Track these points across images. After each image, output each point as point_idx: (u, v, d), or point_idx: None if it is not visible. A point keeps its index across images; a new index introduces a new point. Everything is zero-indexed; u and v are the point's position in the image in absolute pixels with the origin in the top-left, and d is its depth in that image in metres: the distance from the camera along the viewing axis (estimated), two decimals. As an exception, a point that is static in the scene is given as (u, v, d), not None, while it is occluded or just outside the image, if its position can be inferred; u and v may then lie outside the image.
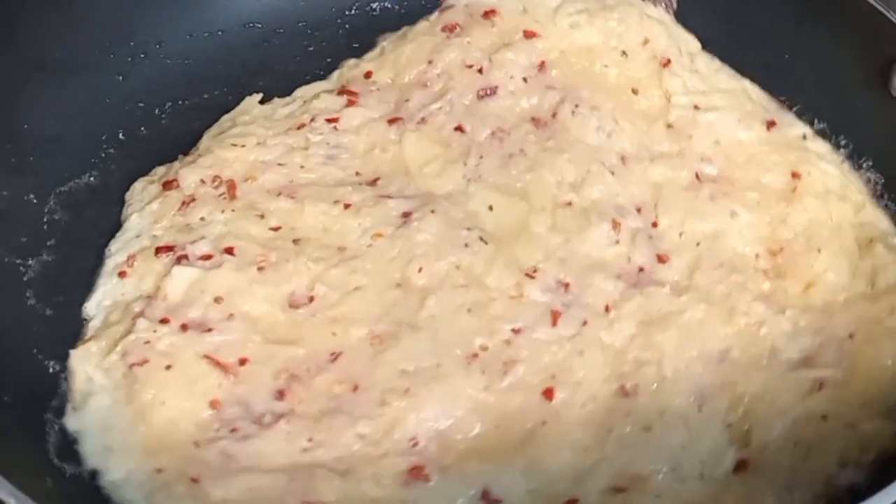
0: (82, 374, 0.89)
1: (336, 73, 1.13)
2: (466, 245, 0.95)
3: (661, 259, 0.97)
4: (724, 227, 0.99)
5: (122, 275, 0.95)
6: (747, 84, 1.10)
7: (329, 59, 1.14)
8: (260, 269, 0.93)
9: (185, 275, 0.92)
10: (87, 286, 0.96)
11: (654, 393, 0.89)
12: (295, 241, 0.96)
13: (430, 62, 1.09)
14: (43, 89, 1.03)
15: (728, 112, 1.07)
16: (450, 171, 1.02)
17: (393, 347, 0.90)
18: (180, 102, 1.11)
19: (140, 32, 1.11)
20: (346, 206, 0.98)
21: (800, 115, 1.08)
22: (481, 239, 0.96)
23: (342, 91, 1.09)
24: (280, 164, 1.02)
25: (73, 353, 0.90)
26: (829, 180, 1.03)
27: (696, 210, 1.00)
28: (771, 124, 1.07)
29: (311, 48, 1.16)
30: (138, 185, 1.03)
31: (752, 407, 0.89)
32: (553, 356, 0.90)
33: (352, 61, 1.13)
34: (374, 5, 1.18)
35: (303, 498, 0.82)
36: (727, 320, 0.93)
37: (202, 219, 0.97)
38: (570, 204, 0.99)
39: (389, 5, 1.18)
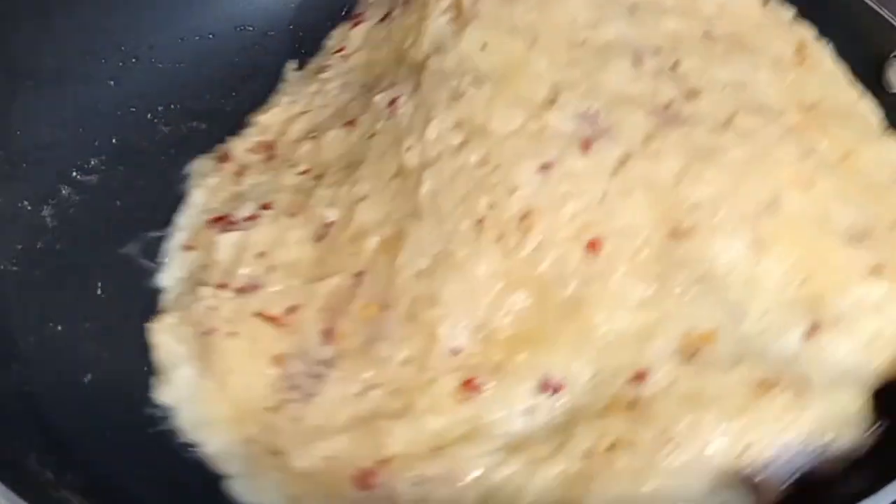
0: (163, 346, 0.90)
1: None
2: (457, 97, 0.89)
3: (691, 95, 0.90)
4: (746, 78, 0.93)
5: (187, 248, 0.97)
6: None
7: (321, 62, 1.14)
8: (291, 214, 0.93)
9: (229, 240, 0.94)
10: (83, 294, 0.96)
11: (708, 238, 0.81)
12: (317, 177, 0.96)
13: None
14: (35, 96, 1.03)
15: None
16: (430, 28, 0.97)
17: (402, 248, 0.84)
18: (172, 107, 1.09)
19: (131, 37, 1.11)
20: (349, 123, 0.97)
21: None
22: (475, 81, 0.89)
23: (352, 17, 1.11)
24: (304, 112, 1.04)
25: (150, 326, 0.91)
26: (829, 61, 1.00)
27: (715, 60, 0.93)
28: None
29: (303, 51, 1.15)
30: (198, 163, 1.05)
31: (812, 274, 0.82)
32: (587, 197, 0.82)
33: None
34: (364, 7, 1.19)
35: (374, 458, 0.80)
36: (776, 167, 0.86)
37: (251, 185, 0.99)
38: (584, 42, 0.93)
39: (379, 7, 1.18)
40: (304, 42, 1.16)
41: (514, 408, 0.79)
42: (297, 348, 0.86)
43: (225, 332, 0.88)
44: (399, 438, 0.80)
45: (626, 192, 0.83)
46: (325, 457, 0.81)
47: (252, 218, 0.95)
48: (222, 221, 0.96)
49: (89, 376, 0.90)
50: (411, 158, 0.88)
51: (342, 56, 1.06)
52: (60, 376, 0.90)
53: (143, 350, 0.91)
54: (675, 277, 0.81)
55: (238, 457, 0.84)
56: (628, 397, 0.78)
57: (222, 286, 0.91)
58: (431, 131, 0.88)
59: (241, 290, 0.90)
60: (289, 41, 1.16)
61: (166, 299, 0.95)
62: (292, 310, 0.88)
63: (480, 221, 0.82)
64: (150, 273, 0.97)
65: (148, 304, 0.95)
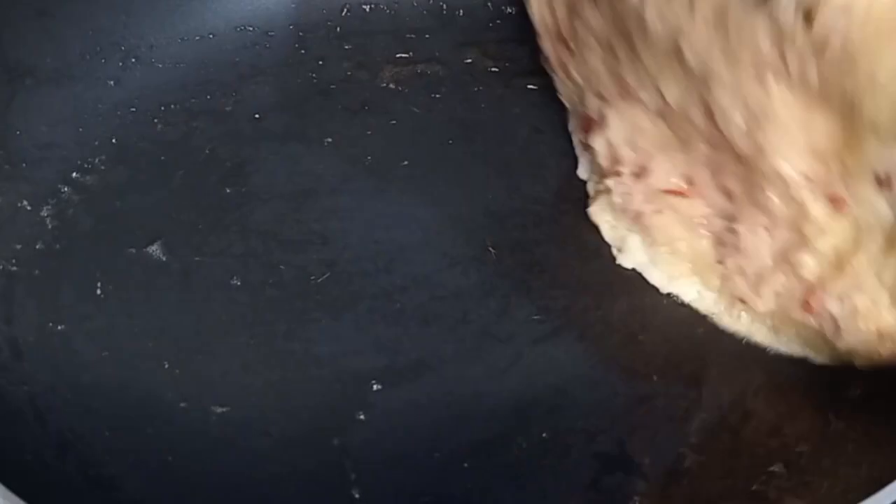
0: (604, 224, 1.01)
1: None
2: None
3: None
4: None
5: (586, 147, 1.03)
6: None
7: (321, 62, 1.13)
8: (622, 98, 0.95)
9: (597, 141, 0.98)
10: (83, 294, 0.96)
11: None
12: (609, 52, 0.96)
13: None
14: (34, 96, 1.03)
15: None
16: None
17: (717, 116, 0.85)
18: (173, 107, 1.09)
19: (131, 37, 1.11)
20: None
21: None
22: None
23: None
24: None
25: (590, 210, 1.01)
26: None
27: None
28: None
29: (303, 51, 1.15)
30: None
31: None
32: None
33: None
34: (366, 7, 1.19)
35: (805, 286, 0.88)
36: None
37: (578, 82, 1.02)
38: None
39: (382, 6, 1.18)
40: (305, 42, 1.16)
41: (876, 194, 0.79)
42: (708, 210, 0.94)
43: (651, 210, 0.96)
44: (811, 266, 0.86)
45: None
46: (774, 295, 0.90)
47: (600, 115, 0.98)
48: (587, 124, 1.01)
49: (89, 376, 0.90)
50: (656, 26, 0.85)
51: None
52: (60, 376, 0.90)
53: (146, 350, 0.92)
54: None
55: (714, 304, 0.95)
56: None
57: (618, 174, 0.98)
58: None
59: (636, 175, 0.96)
60: (289, 41, 1.16)
61: (590, 187, 1.04)
62: (689, 180, 0.94)
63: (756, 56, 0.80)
64: (165, 271, 0.97)
65: (153, 302, 0.95)
